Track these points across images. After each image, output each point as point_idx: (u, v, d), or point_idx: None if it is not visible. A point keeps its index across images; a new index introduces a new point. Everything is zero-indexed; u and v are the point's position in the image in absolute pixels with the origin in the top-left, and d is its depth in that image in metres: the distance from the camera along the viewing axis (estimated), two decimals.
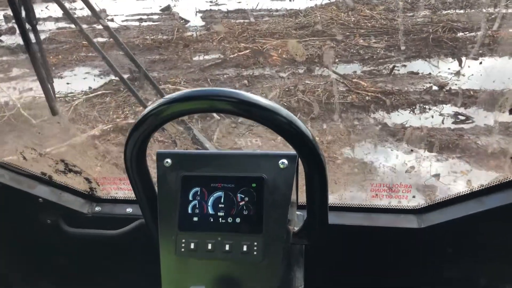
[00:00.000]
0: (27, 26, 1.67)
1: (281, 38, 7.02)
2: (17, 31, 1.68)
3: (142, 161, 1.05)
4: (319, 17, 7.73)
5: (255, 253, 1.02)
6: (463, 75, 5.02)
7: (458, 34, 6.42)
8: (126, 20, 9.08)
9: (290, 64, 5.93)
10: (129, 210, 1.65)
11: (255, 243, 1.02)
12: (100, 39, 5.97)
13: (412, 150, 3.43)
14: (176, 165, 1.09)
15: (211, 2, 9.92)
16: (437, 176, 3.02)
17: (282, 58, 6.12)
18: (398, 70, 5.49)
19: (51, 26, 8.26)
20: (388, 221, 1.48)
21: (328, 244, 1.24)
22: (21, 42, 1.67)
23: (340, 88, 4.86)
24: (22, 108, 4.03)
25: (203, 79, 5.48)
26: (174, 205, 1.07)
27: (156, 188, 1.11)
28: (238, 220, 1.04)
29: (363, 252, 1.55)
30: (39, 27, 1.74)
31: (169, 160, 1.09)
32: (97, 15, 2.24)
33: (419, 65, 5.59)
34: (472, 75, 4.91)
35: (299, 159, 0.98)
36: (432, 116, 4.09)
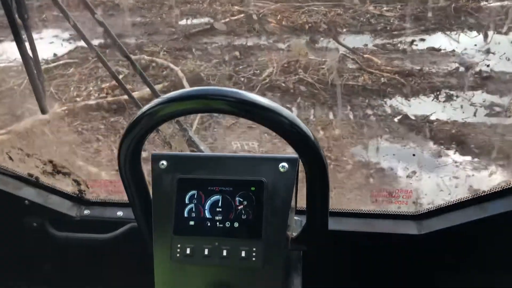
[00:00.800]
0: (18, 21, 1.61)
1: (281, 1, 6.16)
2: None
3: (137, 163, 1.01)
4: None
5: (253, 259, 0.98)
6: (493, 54, 4.26)
7: (485, 3, 5.60)
8: None
9: (290, 33, 5.11)
10: (119, 213, 1.59)
11: (254, 249, 0.98)
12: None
13: (440, 154, 2.72)
14: (172, 167, 1.05)
15: None
16: None
17: (281, 25, 5.28)
18: (416, 45, 4.70)
19: None
20: (387, 227, 1.45)
21: (326, 250, 1.16)
22: None
23: (349, 66, 4.09)
24: None
25: (187, 48, 4.67)
26: (169, 208, 1.02)
27: (150, 190, 1.07)
28: (236, 224, 1.00)
29: (361, 258, 1.53)
30: None
31: (164, 162, 1.05)
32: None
33: (440, 39, 4.81)
34: (504, 53, 4.15)
35: (300, 163, 0.97)
36: (462, 106, 3.35)
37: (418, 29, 5.18)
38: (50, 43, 5.07)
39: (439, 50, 4.50)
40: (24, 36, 1.68)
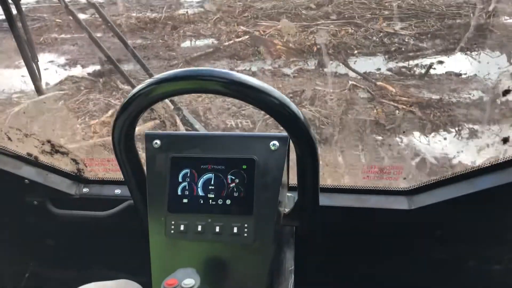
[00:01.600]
0: (10, 1, 1.62)
1: (288, 18, 5.85)
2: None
3: (131, 142, 1.03)
4: None
5: (245, 234, 1.01)
6: None
7: (507, 19, 5.21)
8: None
9: (297, 55, 4.78)
10: (117, 191, 1.62)
11: (246, 225, 1.01)
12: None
13: None
14: (165, 146, 1.07)
15: None
16: None
17: (287, 47, 4.97)
18: (434, 68, 4.33)
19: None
20: (378, 202, 1.46)
21: (318, 225, 1.15)
22: None
23: (360, 95, 3.73)
24: None
25: None
26: (163, 186, 1.05)
27: (145, 169, 1.09)
28: (228, 201, 1.03)
29: (353, 233, 1.55)
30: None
31: (158, 141, 1.07)
32: None
33: (459, 61, 4.43)
34: None
35: (291, 141, 0.98)
36: (488, 145, 2.97)
37: (435, 49, 4.82)
38: (44, 70, 4.84)
39: (459, 75, 4.12)
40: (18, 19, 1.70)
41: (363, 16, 5.74)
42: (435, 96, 3.68)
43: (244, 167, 1.03)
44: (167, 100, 2.71)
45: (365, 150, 2.97)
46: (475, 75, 4.09)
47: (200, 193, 1.04)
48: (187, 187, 1.05)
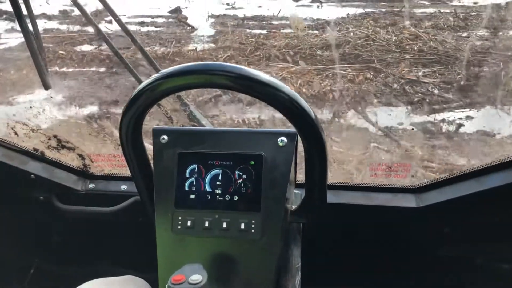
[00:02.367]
0: None
1: (303, 59, 5.52)
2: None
3: (138, 137, 1.03)
4: (351, 33, 6.18)
5: (253, 231, 1.00)
6: None
7: None
8: (126, 23, 7.66)
9: (311, 104, 4.40)
10: (123, 187, 1.61)
11: (253, 221, 1.00)
12: None
13: None
14: (173, 142, 1.07)
15: (227, 5, 8.46)
16: None
17: (300, 93, 4.59)
18: (463, 125, 3.91)
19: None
20: (386, 200, 1.46)
21: (325, 222, 1.16)
22: None
23: (382, 156, 3.31)
24: None
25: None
26: (170, 182, 1.05)
27: (152, 165, 1.09)
28: (235, 198, 1.03)
29: (360, 231, 1.54)
30: None
31: (165, 137, 1.07)
32: None
33: (491, 117, 4.01)
34: None
35: (299, 137, 0.97)
36: None
37: (463, 101, 4.40)
38: (33, 109, 4.50)
39: (492, 135, 3.68)
40: (25, 12, 1.66)
41: (382, 59, 5.39)
42: (467, 162, 3.24)
43: (252, 163, 1.02)
44: None
45: None
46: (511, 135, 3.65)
47: (208, 189, 1.04)
48: (194, 183, 1.04)
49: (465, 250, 1.52)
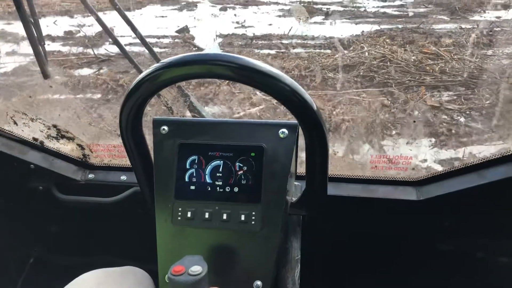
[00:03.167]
0: None
1: (312, 82, 5.09)
2: None
3: (138, 128, 1.03)
4: (366, 53, 5.72)
5: (253, 222, 1.01)
6: None
7: None
8: (130, 44, 7.34)
9: None
10: (123, 177, 1.61)
11: (253, 213, 1.01)
12: None
13: None
14: (173, 133, 1.06)
15: (237, 23, 8.11)
16: None
17: None
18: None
19: None
20: (386, 192, 1.46)
21: (326, 214, 1.20)
22: None
23: None
24: None
25: None
26: (170, 173, 1.05)
27: (152, 155, 1.09)
28: (236, 189, 1.03)
29: (360, 223, 1.54)
30: None
31: (165, 127, 1.06)
32: None
33: None
34: None
35: (299, 129, 0.98)
36: None
37: (494, 133, 3.90)
38: None
39: None
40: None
41: (400, 82, 4.92)
42: None
43: (253, 154, 1.02)
44: None
45: None
46: None
47: (208, 180, 1.03)
48: (194, 174, 1.04)
49: (465, 243, 1.53)
